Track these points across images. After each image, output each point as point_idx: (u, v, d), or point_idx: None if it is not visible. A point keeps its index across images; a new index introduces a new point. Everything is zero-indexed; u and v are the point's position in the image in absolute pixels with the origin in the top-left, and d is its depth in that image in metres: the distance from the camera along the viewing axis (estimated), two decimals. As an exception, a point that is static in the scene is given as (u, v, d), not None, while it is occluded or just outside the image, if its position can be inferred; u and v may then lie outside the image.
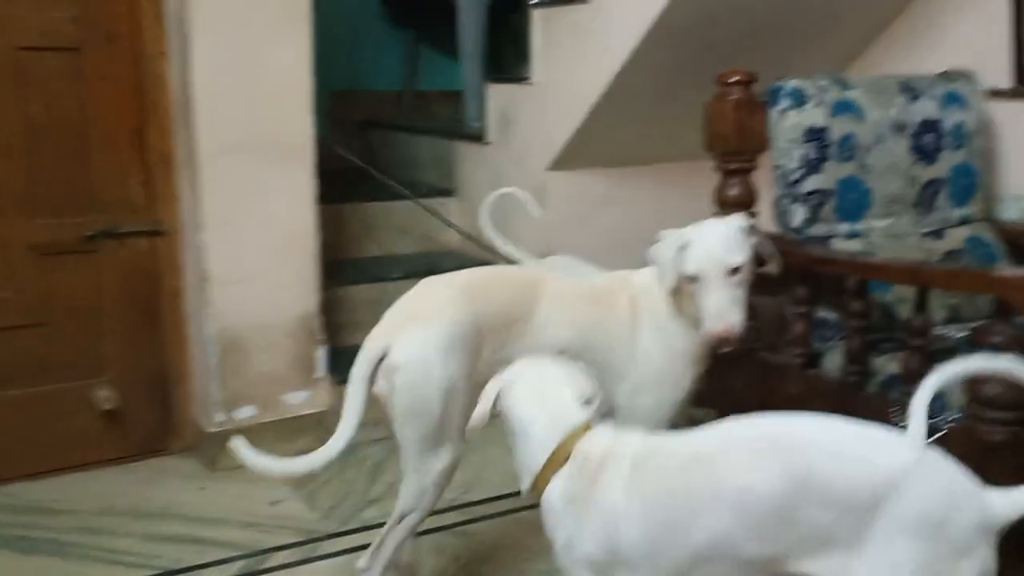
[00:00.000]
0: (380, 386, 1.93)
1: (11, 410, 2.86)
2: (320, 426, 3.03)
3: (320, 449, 1.93)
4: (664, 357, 2.12)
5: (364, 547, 2.45)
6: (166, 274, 3.03)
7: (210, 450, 2.95)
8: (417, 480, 1.95)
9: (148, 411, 3.05)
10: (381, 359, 1.91)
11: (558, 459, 1.55)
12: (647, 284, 2.14)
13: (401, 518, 1.99)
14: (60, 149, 2.85)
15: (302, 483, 2.74)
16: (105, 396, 2.94)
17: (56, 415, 2.91)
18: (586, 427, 1.58)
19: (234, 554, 2.47)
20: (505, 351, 1.97)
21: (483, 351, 1.97)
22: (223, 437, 2.90)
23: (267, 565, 2.42)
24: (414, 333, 1.92)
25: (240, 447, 1.88)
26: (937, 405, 2.21)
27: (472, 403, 1.70)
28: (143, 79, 2.92)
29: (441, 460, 1.94)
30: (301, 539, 2.54)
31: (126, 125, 2.92)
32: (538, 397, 1.61)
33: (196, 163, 2.84)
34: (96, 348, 2.96)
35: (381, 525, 2.55)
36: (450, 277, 2.06)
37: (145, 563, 2.42)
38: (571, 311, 2.09)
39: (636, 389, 2.11)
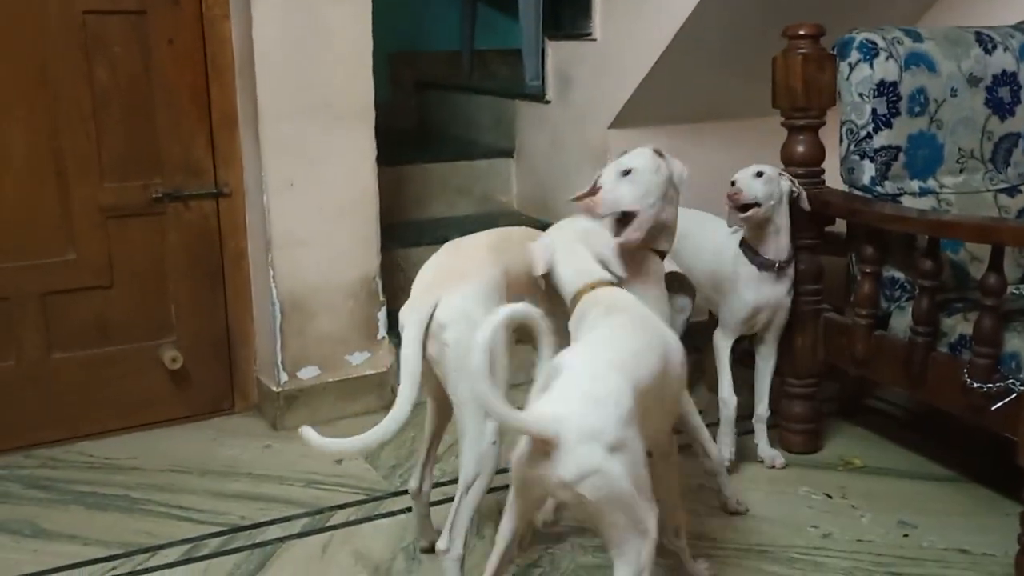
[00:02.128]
0: (430, 349, 1.91)
1: (81, 370, 2.93)
2: (382, 386, 3.06)
3: (385, 419, 1.87)
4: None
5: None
6: (230, 236, 3.06)
7: (274, 409, 2.99)
8: (476, 444, 1.92)
9: (214, 371, 3.10)
10: (429, 321, 1.90)
11: (576, 300, 1.94)
12: None
13: (467, 488, 1.94)
14: (125, 112, 2.88)
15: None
16: (172, 356, 2.98)
17: (124, 375, 2.97)
18: (597, 283, 1.95)
19: (297, 512, 2.50)
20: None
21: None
22: (287, 397, 2.96)
23: (330, 523, 2.45)
24: (456, 290, 1.92)
25: (310, 435, 1.84)
26: (1011, 365, 2.16)
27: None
28: (206, 41, 2.93)
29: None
30: (363, 498, 2.57)
31: (190, 88, 2.94)
32: (569, 255, 1.99)
33: (259, 125, 2.85)
34: (162, 309, 3.01)
35: (442, 484, 2.58)
36: (476, 238, 2.10)
37: (211, 520, 2.47)
38: None
39: None
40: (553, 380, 1.66)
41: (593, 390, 1.62)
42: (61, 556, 2.31)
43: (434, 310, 1.91)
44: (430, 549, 2.17)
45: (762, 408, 2.71)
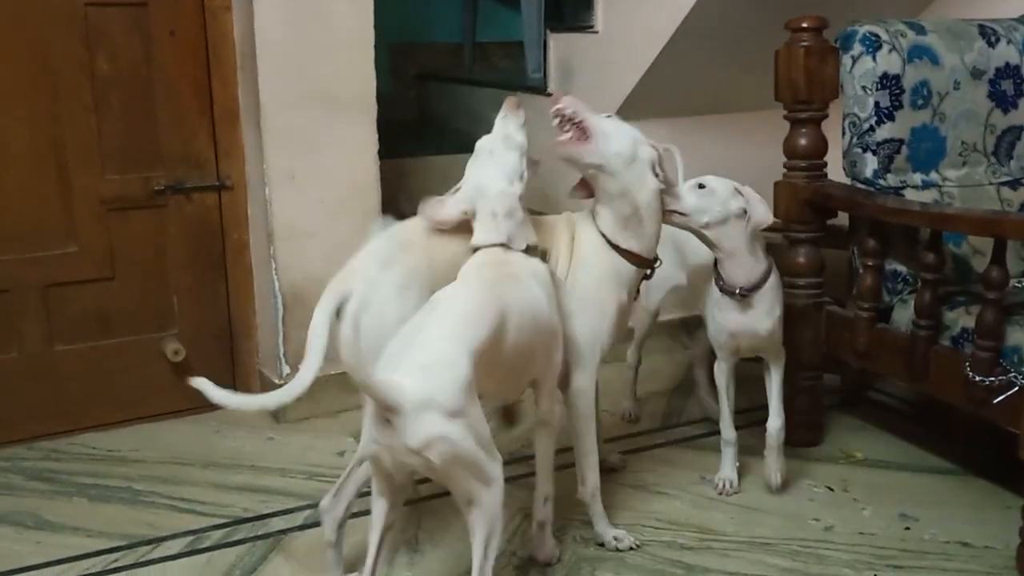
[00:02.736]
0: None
1: (83, 362, 2.93)
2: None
3: (289, 383, 1.98)
4: (591, 283, 2.19)
5: (427, 499, 2.50)
6: (232, 228, 3.06)
7: (276, 402, 2.99)
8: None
9: (215, 363, 3.10)
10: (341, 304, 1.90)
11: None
12: (586, 218, 2.27)
13: (361, 461, 1.93)
14: (127, 104, 2.87)
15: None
16: (173, 349, 2.99)
17: (126, 367, 2.97)
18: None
19: (300, 504, 2.51)
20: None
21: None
22: (289, 389, 2.96)
23: (333, 515, 2.45)
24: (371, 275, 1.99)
25: (204, 385, 1.94)
26: (1013, 358, 2.16)
27: None
28: (208, 33, 2.93)
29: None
30: (365, 490, 2.56)
31: (191, 80, 2.93)
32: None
33: (260, 117, 2.85)
34: (164, 302, 3.01)
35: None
36: (404, 225, 2.16)
37: (214, 511, 2.47)
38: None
39: (568, 316, 2.15)
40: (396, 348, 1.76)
41: (426, 359, 1.70)
42: (64, 548, 2.31)
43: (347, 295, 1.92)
44: None
45: (771, 424, 2.52)
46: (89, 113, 2.83)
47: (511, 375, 1.99)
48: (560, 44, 3.61)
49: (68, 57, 2.78)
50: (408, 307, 1.95)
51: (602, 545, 2.27)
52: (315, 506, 2.46)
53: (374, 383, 1.62)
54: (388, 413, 1.65)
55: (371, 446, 1.73)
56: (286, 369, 2.98)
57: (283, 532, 2.38)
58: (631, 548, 2.26)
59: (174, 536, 2.36)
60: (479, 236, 2.08)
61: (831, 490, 2.55)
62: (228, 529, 2.39)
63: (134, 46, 2.85)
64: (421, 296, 1.97)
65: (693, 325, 3.55)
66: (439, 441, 1.66)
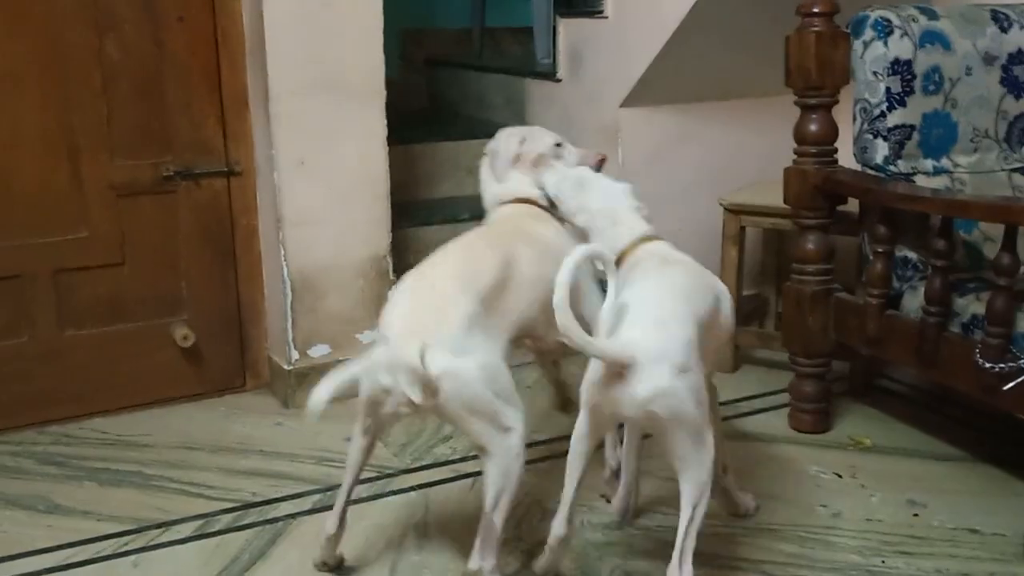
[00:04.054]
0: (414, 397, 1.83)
1: (93, 348, 2.94)
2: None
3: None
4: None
5: (436, 483, 2.51)
6: (241, 214, 3.06)
7: (285, 387, 3.00)
8: (503, 460, 1.89)
9: (225, 349, 3.11)
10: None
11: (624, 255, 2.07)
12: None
13: (495, 504, 1.91)
14: (136, 90, 2.88)
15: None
16: (183, 334, 3.00)
17: (136, 353, 2.98)
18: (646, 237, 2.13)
19: (309, 488, 2.52)
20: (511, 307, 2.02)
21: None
22: (298, 375, 2.97)
23: (342, 500, 2.46)
24: (439, 345, 1.83)
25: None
26: (1023, 345, 2.15)
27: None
28: (217, 19, 2.92)
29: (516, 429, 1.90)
30: (374, 475, 2.58)
31: (200, 65, 2.93)
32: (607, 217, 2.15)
33: (269, 103, 2.85)
34: (174, 287, 3.02)
35: (452, 463, 2.60)
36: (442, 266, 2.02)
37: (223, 496, 2.48)
38: (533, 247, 2.13)
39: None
40: (621, 316, 1.80)
41: (661, 316, 1.79)
42: (75, 531, 2.33)
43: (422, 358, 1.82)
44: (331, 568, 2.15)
45: None
46: (99, 99, 2.83)
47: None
48: (569, 29, 3.60)
49: (78, 43, 2.78)
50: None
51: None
52: (324, 491, 2.48)
53: (597, 346, 1.73)
54: (620, 368, 1.73)
55: (595, 397, 1.81)
56: (295, 355, 2.99)
57: (292, 516, 2.39)
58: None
59: (184, 520, 2.37)
60: (644, 227, 2.16)
61: (839, 477, 2.54)
62: (237, 513, 2.41)
63: (143, 32, 2.85)
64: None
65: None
66: (666, 395, 1.73)
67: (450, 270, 1.99)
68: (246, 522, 2.36)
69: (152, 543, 2.28)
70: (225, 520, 2.37)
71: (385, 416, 1.95)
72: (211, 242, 3.04)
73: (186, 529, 2.33)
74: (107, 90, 2.83)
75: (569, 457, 1.93)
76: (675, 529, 2.29)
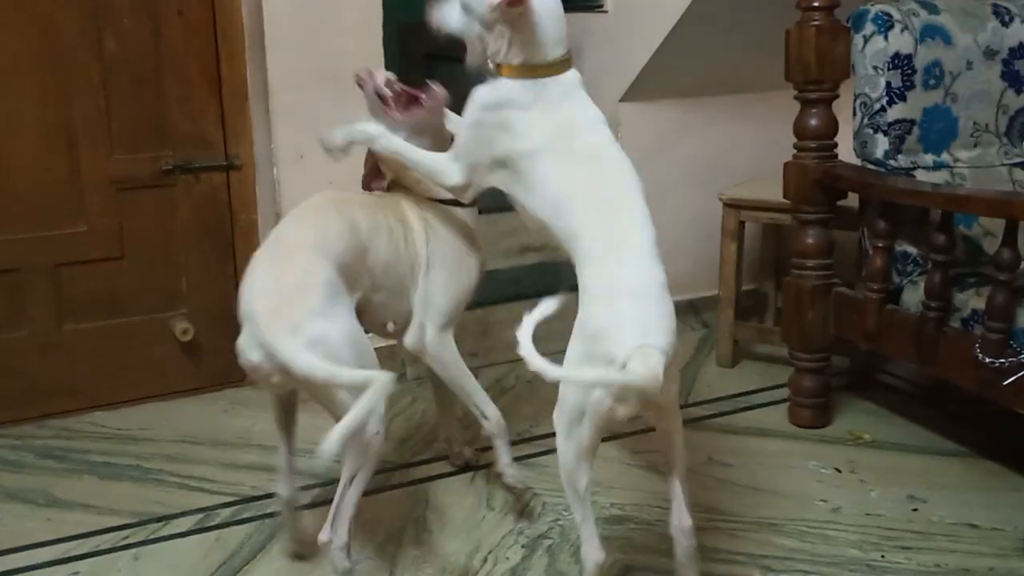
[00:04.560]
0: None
1: (92, 342, 2.94)
2: (391, 358, 3.06)
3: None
4: (451, 246, 2.20)
5: (435, 477, 2.51)
6: (240, 208, 3.06)
7: (285, 381, 2.99)
8: (359, 437, 1.86)
9: (224, 343, 3.07)
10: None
11: None
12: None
13: (350, 480, 1.93)
14: (135, 83, 2.87)
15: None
16: (182, 328, 2.99)
17: (135, 347, 2.98)
18: None
19: (308, 482, 2.51)
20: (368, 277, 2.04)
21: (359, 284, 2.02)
22: (297, 369, 2.96)
23: (341, 494, 2.47)
24: (301, 321, 1.81)
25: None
26: (1023, 340, 2.15)
27: None
28: (216, 12, 2.92)
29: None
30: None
31: (199, 59, 2.93)
32: None
33: (269, 97, 2.85)
34: (173, 281, 3.01)
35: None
36: (297, 235, 1.98)
37: (223, 490, 2.48)
38: (380, 222, 2.12)
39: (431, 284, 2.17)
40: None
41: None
42: (75, 525, 2.33)
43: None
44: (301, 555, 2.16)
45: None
46: (98, 92, 2.82)
47: None
48: (570, 23, 3.57)
49: (76, 36, 2.78)
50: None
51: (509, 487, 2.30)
52: (324, 484, 2.48)
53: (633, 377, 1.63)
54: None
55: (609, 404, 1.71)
56: (295, 349, 2.98)
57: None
58: (528, 489, 2.29)
59: (183, 514, 2.37)
60: None
61: (839, 471, 2.55)
62: (237, 507, 2.41)
63: (142, 25, 2.85)
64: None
65: (702, 306, 3.56)
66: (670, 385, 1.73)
67: (308, 237, 1.95)
68: (245, 516, 2.37)
69: (152, 536, 2.28)
70: (225, 514, 2.38)
71: (272, 387, 1.99)
72: (210, 236, 3.04)
73: (186, 523, 2.33)
74: (106, 83, 2.83)
75: (576, 487, 1.82)
76: (668, 524, 2.29)
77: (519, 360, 2.01)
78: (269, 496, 2.45)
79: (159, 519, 2.35)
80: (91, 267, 2.90)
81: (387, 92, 2.19)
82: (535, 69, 1.93)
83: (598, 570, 1.84)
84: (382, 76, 2.21)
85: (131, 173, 2.90)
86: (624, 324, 1.68)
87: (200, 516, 2.36)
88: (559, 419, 1.80)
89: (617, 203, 1.86)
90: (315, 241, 1.93)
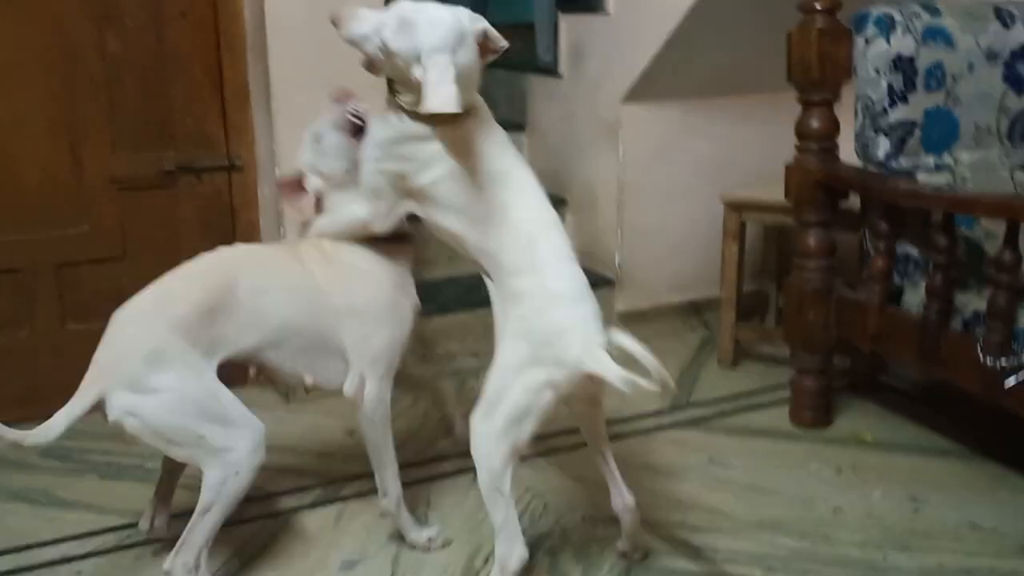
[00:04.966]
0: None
1: (95, 341, 2.88)
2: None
3: None
4: (378, 293, 2.17)
5: (437, 478, 2.51)
6: (242, 209, 3.06)
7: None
8: (221, 474, 1.97)
9: (226, 343, 3.10)
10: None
11: None
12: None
13: (205, 511, 1.98)
14: (138, 84, 2.87)
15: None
16: (185, 328, 2.99)
17: (138, 346, 2.98)
18: None
19: (310, 483, 2.52)
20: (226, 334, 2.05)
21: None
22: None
23: (342, 493, 2.47)
24: (120, 378, 1.96)
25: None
26: (1021, 343, 2.16)
27: None
28: (219, 14, 2.92)
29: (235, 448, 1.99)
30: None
31: (202, 60, 2.93)
32: None
33: (271, 97, 2.85)
34: (175, 281, 3.01)
35: (454, 457, 2.60)
36: (139, 301, 2.09)
37: (226, 490, 2.48)
38: (273, 279, 2.12)
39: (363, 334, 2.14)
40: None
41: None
42: (77, 524, 2.33)
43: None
44: None
45: None
46: (100, 92, 2.83)
47: None
48: (572, 26, 3.60)
49: (80, 36, 2.78)
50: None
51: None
52: (326, 484, 2.49)
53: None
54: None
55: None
56: (297, 349, 2.98)
57: (294, 510, 2.39)
58: (443, 544, 2.23)
59: (185, 514, 2.36)
60: None
61: (840, 472, 2.55)
62: (239, 507, 2.40)
63: (145, 26, 2.85)
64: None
65: (704, 306, 3.56)
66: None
67: (146, 301, 2.05)
68: (248, 516, 2.37)
69: (154, 537, 2.28)
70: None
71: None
72: (212, 236, 3.03)
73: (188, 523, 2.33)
74: (109, 84, 2.83)
75: (503, 489, 1.89)
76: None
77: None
78: (270, 496, 2.46)
79: (161, 519, 2.35)
80: (93, 267, 2.90)
81: (352, 120, 2.20)
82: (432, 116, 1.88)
83: (523, 565, 1.91)
84: (355, 102, 2.23)
85: (133, 173, 2.90)
86: (569, 329, 1.82)
87: (202, 516, 2.36)
88: (491, 422, 1.87)
89: (530, 217, 1.95)
90: (151, 307, 2.04)
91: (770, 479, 2.51)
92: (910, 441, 2.71)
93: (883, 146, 2.55)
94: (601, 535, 2.26)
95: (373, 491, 2.46)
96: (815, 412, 2.77)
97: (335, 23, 1.98)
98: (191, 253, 2.96)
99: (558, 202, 3.64)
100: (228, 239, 3.04)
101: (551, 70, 3.71)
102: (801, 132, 2.64)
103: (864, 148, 2.59)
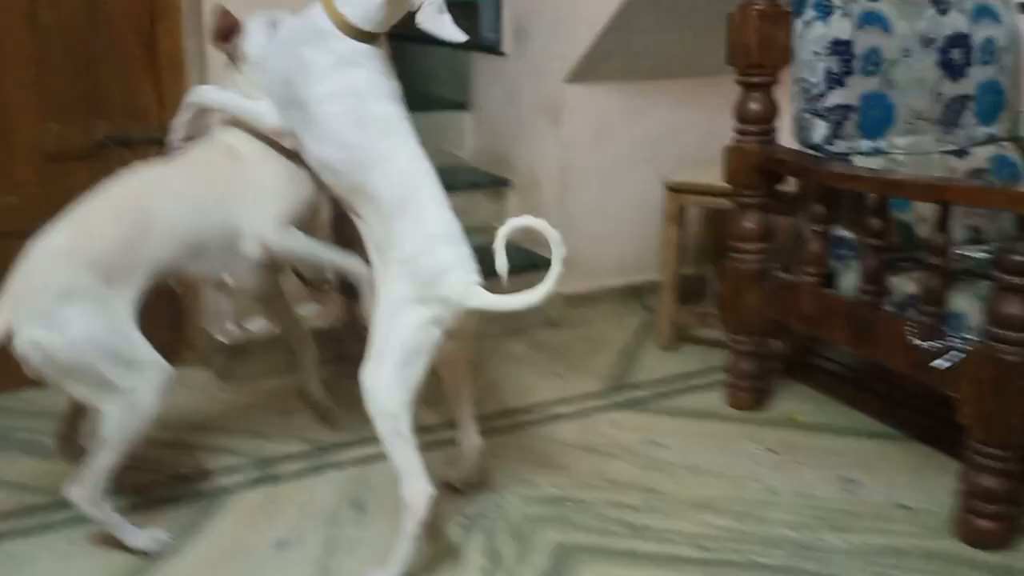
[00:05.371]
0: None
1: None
2: (332, 338, 3.03)
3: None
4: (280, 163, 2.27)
5: (375, 458, 2.49)
6: (176, 184, 2.99)
7: (223, 361, 2.95)
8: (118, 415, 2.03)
9: (160, 322, 3.01)
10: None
11: None
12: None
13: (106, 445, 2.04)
14: (69, 53, 2.79)
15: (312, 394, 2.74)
16: (116, 305, 2.93)
17: (68, 323, 2.91)
18: None
19: (244, 462, 2.49)
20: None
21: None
22: (236, 349, 2.92)
23: (276, 472, 2.44)
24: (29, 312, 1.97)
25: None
26: (956, 324, 2.19)
27: None
28: (152, -18, 2.85)
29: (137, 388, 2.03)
30: (309, 449, 2.55)
31: (136, 28, 2.86)
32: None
33: (206, 68, 2.79)
34: (107, 257, 2.94)
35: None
36: (54, 237, 2.06)
37: (159, 468, 2.44)
38: (184, 197, 2.18)
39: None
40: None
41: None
42: (6, 505, 2.28)
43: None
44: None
45: None
46: (30, 62, 2.74)
47: None
48: (515, 4, 3.57)
49: (8, 4, 2.69)
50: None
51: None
52: (260, 464, 2.45)
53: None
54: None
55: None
56: (233, 329, 2.94)
57: (228, 489, 2.36)
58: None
59: (119, 493, 2.32)
60: None
61: (774, 453, 2.58)
62: (171, 487, 2.37)
63: (76, -7, 2.77)
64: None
65: (644, 289, 3.57)
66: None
67: (63, 236, 2.03)
68: (181, 494, 2.33)
69: (84, 515, 2.23)
70: (159, 493, 2.33)
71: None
72: (146, 212, 2.97)
73: (120, 502, 2.28)
74: (38, 52, 2.75)
75: (402, 430, 1.96)
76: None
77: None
78: (205, 474, 2.42)
79: (89, 499, 2.30)
80: (21, 241, 2.80)
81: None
82: (350, 27, 2.07)
83: (430, 501, 1.96)
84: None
85: (62, 144, 2.82)
86: (450, 268, 1.94)
87: (135, 496, 2.32)
88: (384, 368, 1.95)
89: (413, 166, 2.06)
90: (67, 243, 2.02)
91: (705, 460, 2.53)
92: (843, 423, 2.75)
93: (820, 129, 2.57)
94: (536, 513, 2.26)
95: (309, 471, 2.44)
96: (751, 394, 2.80)
97: None
98: (123, 228, 2.93)
99: (501, 182, 3.63)
100: (162, 215, 2.98)
101: (495, 48, 3.68)
102: (740, 115, 2.65)
103: (801, 131, 2.61)
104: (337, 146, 2.07)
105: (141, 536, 2.11)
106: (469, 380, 2.24)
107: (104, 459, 2.02)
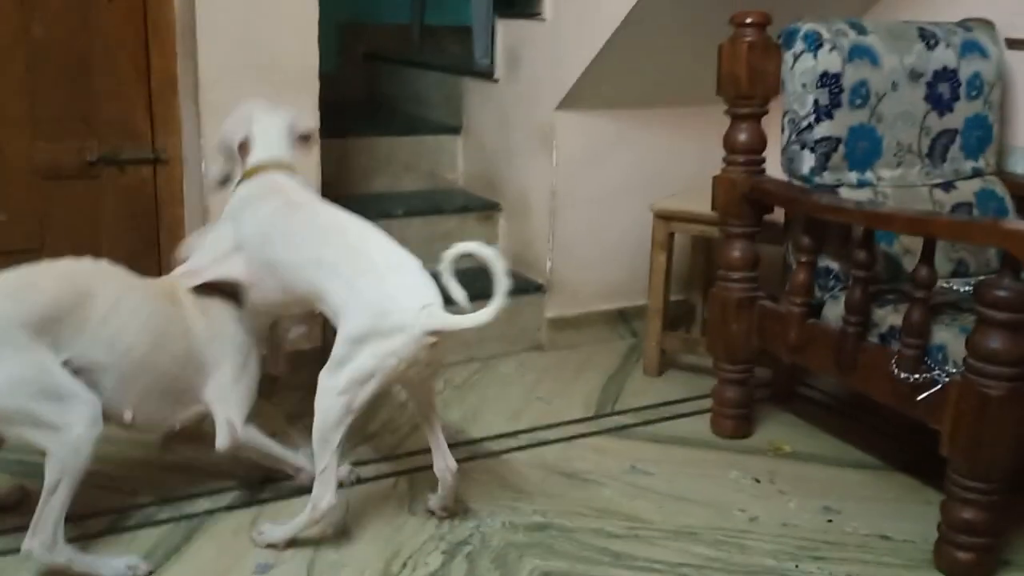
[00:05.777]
0: None
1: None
2: (317, 361, 3.03)
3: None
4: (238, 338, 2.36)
5: (357, 482, 2.48)
6: (167, 204, 3.00)
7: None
8: (60, 452, 2.00)
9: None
10: None
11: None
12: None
13: (53, 490, 2.00)
14: (62, 72, 2.81)
15: (299, 417, 2.74)
16: (104, 323, 2.92)
17: (54, 340, 2.90)
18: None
19: (227, 485, 2.48)
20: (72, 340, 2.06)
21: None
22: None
23: (261, 496, 2.43)
24: None
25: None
26: (937, 357, 2.20)
27: None
28: (147, 2, 2.87)
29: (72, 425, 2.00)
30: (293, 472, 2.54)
31: (129, 49, 2.87)
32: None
33: (199, 89, 2.80)
34: (95, 275, 2.94)
35: (374, 461, 2.58)
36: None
37: (140, 490, 2.43)
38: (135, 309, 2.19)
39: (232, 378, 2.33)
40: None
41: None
42: (-19, 523, 2.27)
43: None
44: None
45: None
46: (22, 80, 2.76)
47: None
48: (508, 30, 3.60)
49: (2, 22, 2.71)
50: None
51: None
52: (243, 487, 2.45)
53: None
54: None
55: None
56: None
57: (209, 513, 2.35)
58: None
59: (97, 515, 2.31)
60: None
61: (758, 481, 2.58)
62: (152, 508, 2.36)
63: (71, 12, 2.79)
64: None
65: (632, 315, 3.58)
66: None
67: (7, 284, 2.06)
68: (162, 518, 2.32)
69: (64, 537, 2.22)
70: (139, 515, 2.33)
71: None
72: (135, 230, 2.98)
73: (99, 524, 2.28)
74: (31, 70, 2.77)
75: (332, 441, 2.08)
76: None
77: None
78: (185, 498, 2.41)
79: (70, 520, 2.27)
80: (10, 258, 2.80)
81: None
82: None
83: (330, 509, 2.12)
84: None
85: (55, 163, 2.84)
86: (401, 294, 2.02)
87: (114, 517, 2.31)
88: (335, 380, 2.05)
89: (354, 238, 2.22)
90: (9, 292, 2.03)
91: (689, 487, 2.53)
92: (827, 452, 2.75)
93: (808, 161, 2.59)
94: (520, 540, 2.26)
95: (290, 494, 2.44)
96: (736, 422, 2.81)
97: None
98: (112, 246, 2.94)
99: (492, 207, 3.64)
100: (152, 233, 3.00)
101: (487, 74, 3.70)
102: (729, 145, 2.67)
103: (789, 162, 2.63)
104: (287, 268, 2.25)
105: (115, 565, 2.08)
106: (434, 405, 2.28)
107: (56, 501, 1.99)
